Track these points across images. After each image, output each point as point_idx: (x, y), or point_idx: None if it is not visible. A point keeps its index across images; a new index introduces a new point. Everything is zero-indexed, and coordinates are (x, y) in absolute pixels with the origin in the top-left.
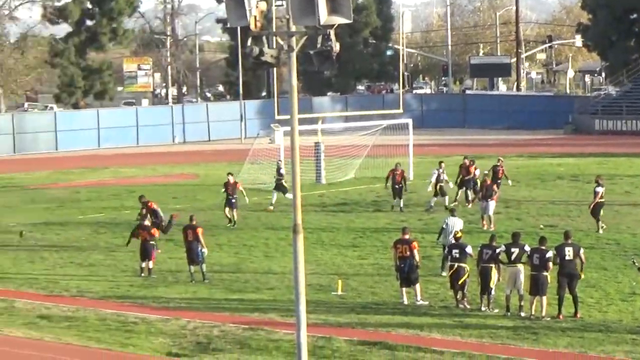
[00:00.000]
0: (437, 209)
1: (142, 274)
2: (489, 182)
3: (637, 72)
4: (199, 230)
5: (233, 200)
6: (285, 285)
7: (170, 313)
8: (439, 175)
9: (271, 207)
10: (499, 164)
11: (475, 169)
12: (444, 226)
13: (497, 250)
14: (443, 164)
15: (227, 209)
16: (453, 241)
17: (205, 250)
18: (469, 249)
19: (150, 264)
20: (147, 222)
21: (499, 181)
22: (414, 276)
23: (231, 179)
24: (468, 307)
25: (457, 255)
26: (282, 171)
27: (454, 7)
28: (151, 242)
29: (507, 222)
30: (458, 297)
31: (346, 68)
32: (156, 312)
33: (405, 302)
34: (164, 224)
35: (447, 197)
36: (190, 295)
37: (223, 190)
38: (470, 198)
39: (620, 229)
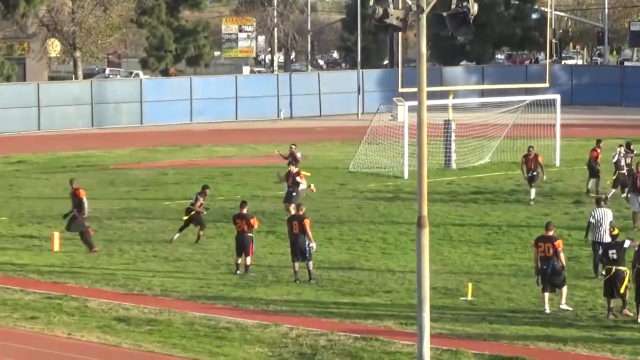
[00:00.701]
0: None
1: (238, 272)
2: None
3: None
4: (306, 222)
5: (294, 194)
6: (405, 288)
7: (270, 318)
8: (618, 160)
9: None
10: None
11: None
12: (591, 220)
13: None
14: (622, 147)
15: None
16: (607, 239)
17: (313, 244)
18: (627, 244)
19: (248, 260)
20: (244, 211)
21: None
22: (558, 280)
23: (293, 169)
24: (630, 316)
25: (615, 257)
26: (299, 156)
27: None
28: (249, 234)
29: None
30: (612, 305)
31: (484, 34)
32: (253, 316)
33: (547, 311)
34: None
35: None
36: (293, 298)
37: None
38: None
39: None
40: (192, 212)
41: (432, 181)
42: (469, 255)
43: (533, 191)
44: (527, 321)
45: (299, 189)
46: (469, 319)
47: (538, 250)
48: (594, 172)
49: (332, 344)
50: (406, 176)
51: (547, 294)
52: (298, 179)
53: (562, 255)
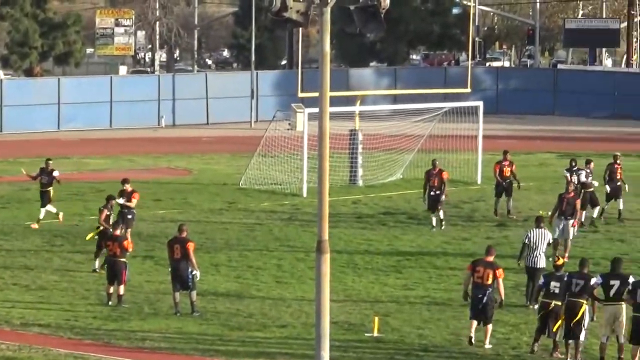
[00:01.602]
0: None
1: (110, 302)
2: (571, 194)
3: None
4: (190, 246)
5: (129, 217)
6: (302, 322)
7: (146, 356)
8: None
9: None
10: (616, 162)
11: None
12: (526, 241)
13: (592, 282)
14: (592, 164)
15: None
16: (542, 264)
17: (197, 272)
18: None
19: (121, 289)
20: (118, 231)
21: (618, 184)
22: (490, 313)
23: (128, 187)
24: (560, 358)
25: (557, 291)
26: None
27: None
28: (122, 260)
29: (607, 245)
30: (539, 342)
31: (397, 31)
32: (126, 354)
33: (473, 340)
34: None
35: (596, 208)
36: (173, 332)
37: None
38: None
39: None
40: (99, 229)
41: (335, 200)
42: (375, 285)
43: (441, 213)
44: None
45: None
46: (375, 357)
47: (474, 276)
48: (501, 190)
49: None
50: (305, 194)
51: (475, 322)
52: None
53: (502, 287)
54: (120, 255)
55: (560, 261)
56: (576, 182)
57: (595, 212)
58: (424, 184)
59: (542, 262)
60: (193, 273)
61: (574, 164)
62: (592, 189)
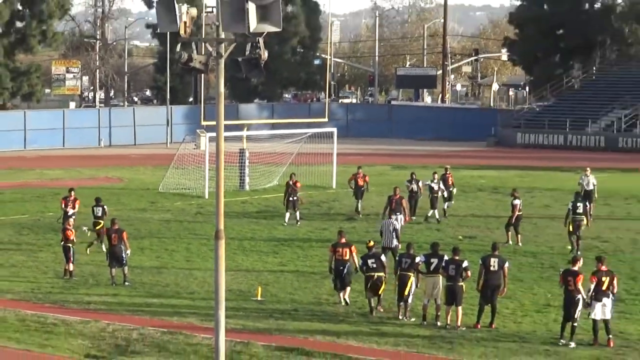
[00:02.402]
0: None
1: (65, 276)
2: (398, 195)
3: (560, 87)
4: (124, 234)
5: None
6: (205, 290)
7: (90, 315)
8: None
9: None
10: (447, 172)
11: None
12: (380, 228)
13: (417, 260)
14: (436, 175)
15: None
16: (394, 244)
17: (129, 251)
18: (383, 258)
19: (71, 266)
20: (68, 225)
21: (451, 189)
22: (347, 280)
23: (73, 195)
24: (381, 311)
25: (375, 265)
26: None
27: (382, 19)
28: (67, 245)
29: (427, 233)
30: (372, 304)
31: (274, 76)
32: (76, 314)
33: (343, 303)
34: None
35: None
36: (110, 299)
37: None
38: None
39: (538, 242)
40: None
41: (228, 200)
42: (259, 262)
43: (297, 213)
44: (308, 318)
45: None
46: (258, 316)
47: (336, 254)
48: (357, 193)
49: (143, 337)
50: (207, 196)
51: (342, 293)
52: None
53: (355, 258)
54: (67, 241)
55: (371, 243)
56: (416, 189)
57: (436, 212)
58: (285, 191)
59: (394, 243)
60: (127, 252)
61: (414, 176)
62: (437, 194)
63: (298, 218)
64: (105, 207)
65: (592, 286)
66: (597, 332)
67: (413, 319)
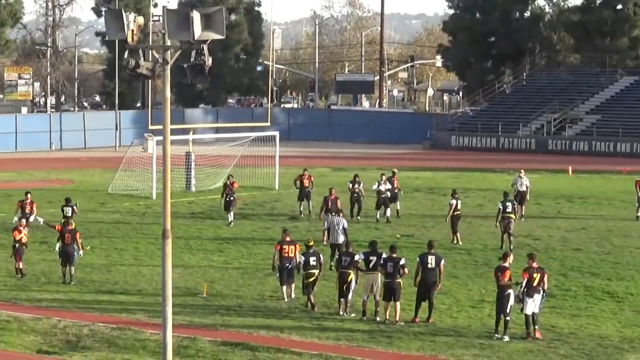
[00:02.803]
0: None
1: (17, 275)
2: (333, 196)
3: (492, 92)
4: (77, 235)
5: (31, 219)
6: (153, 287)
7: (42, 312)
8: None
9: None
10: (394, 175)
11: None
12: (327, 225)
13: (356, 258)
14: (384, 176)
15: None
16: (341, 240)
17: (82, 252)
18: (322, 258)
19: (21, 265)
20: (21, 225)
21: (396, 191)
22: (293, 278)
23: (29, 198)
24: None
25: (314, 263)
26: None
27: (322, 27)
28: (15, 244)
29: (366, 231)
30: (312, 300)
31: (218, 82)
32: (28, 311)
33: (286, 300)
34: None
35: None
36: (61, 296)
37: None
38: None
39: (472, 240)
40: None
41: (175, 201)
42: (205, 260)
43: (231, 215)
44: (252, 313)
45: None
46: (204, 312)
47: (281, 252)
48: (303, 195)
49: (94, 332)
50: (154, 197)
51: (285, 287)
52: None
53: (298, 255)
54: (17, 241)
55: (311, 242)
56: (357, 191)
57: (388, 210)
58: (222, 192)
59: (340, 239)
60: (79, 253)
61: (357, 178)
62: (384, 195)
63: (231, 219)
64: (75, 206)
65: (524, 282)
66: (530, 327)
67: (353, 315)
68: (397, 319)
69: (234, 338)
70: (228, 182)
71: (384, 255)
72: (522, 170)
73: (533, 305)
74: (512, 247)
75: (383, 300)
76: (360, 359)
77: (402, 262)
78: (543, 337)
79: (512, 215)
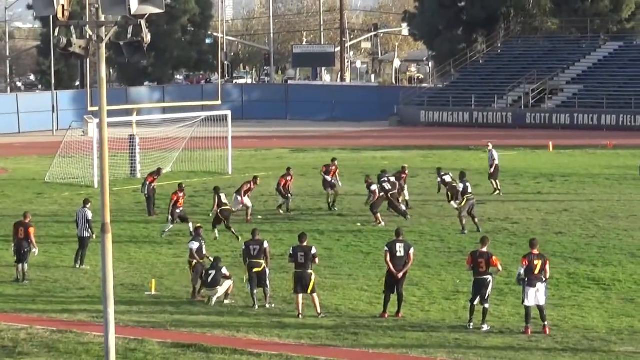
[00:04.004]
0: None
1: None
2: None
3: (464, 62)
4: (31, 230)
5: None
6: (97, 285)
7: None
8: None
9: None
10: (332, 164)
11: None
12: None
13: (313, 252)
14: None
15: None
16: None
17: (36, 250)
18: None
19: None
20: None
21: (334, 181)
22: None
23: None
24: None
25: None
26: None
27: None
28: None
29: (329, 219)
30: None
31: (163, 57)
32: None
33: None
34: None
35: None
36: None
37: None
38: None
39: (445, 225)
40: None
41: (119, 190)
42: (152, 254)
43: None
44: (205, 312)
45: None
46: (153, 310)
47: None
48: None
49: (32, 337)
50: (96, 185)
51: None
52: None
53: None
54: None
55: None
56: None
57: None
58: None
59: None
60: (33, 250)
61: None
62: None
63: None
64: None
65: (523, 269)
66: (529, 320)
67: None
68: (319, 310)
69: (185, 339)
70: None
71: (314, 251)
72: (490, 144)
73: (534, 296)
74: (479, 228)
75: (294, 293)
76: (324, 358)
77: (314, 251)
78: (521, 331)
79: (473, 196)
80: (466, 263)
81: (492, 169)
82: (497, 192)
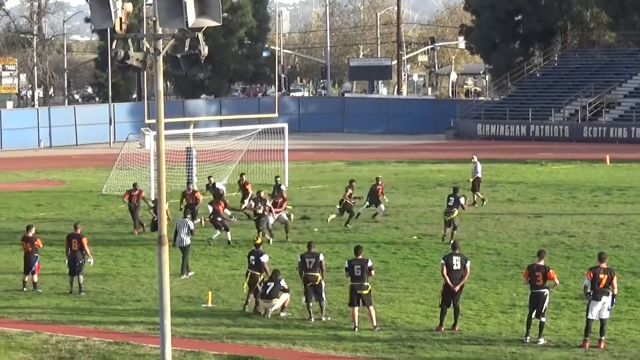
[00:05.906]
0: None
1: (25, 289)
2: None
3: (521, 75)
4: (84, 240)
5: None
6: (153, 297)
7: (32, 327)
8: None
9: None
10: (378, 183)
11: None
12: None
13: (320, 258)
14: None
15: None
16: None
17: (92, 260)
18: (264, 258)
19: (35, 277)
20: (30, 234)
21: (379, 198)
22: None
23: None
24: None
25: (253, 263)
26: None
27: (334, 7)
28: (35, 255)
29: (385, 231)
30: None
31: (220, 70)
32: (16, 325)
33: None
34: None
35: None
36: (53, 308)
37: None
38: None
39: (502, 239)
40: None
41: (175, 202)
42: (209, 267)
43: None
44: (261, 324)
45: None
46: (209, 323)
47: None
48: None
49: (88, 348)
50: (153, 197)
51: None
52: None
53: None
54: (33, 251)
55: (259, 240)
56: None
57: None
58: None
59: None
60: (88, 260)
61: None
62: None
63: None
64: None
65: (588, 281)
66: (589, 333)
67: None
68: (375, 324)
69: (242, 351)
70: (188, 192)
71: (349, 258)
72: (475, 156)
73: (598, 309)
74: (453, 239)
75: (349, 306)
76: None
77: (370, 264)
78: (578, 344)
79: (454, 209)
80: (523, 276)
81: (473, 180)
82: (483, 201)
